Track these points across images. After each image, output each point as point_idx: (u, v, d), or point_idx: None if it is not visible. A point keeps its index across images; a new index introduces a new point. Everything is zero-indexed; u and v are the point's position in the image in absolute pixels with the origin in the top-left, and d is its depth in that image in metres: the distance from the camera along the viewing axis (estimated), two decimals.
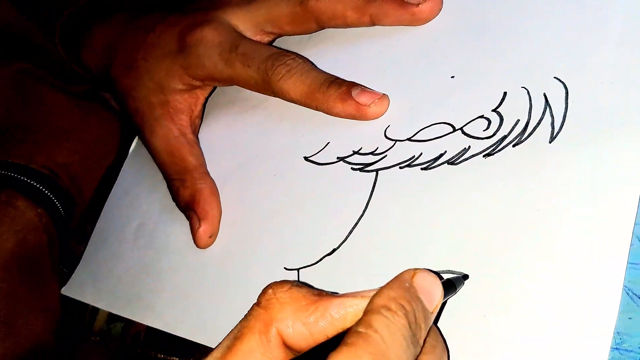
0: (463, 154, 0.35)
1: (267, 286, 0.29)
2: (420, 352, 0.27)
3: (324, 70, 0.43)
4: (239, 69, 0.43)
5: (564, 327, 0.28)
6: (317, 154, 0.42)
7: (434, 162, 0.36)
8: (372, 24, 0.41)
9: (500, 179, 0.33)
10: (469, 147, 0.35)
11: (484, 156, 0.34)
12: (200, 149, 0.47)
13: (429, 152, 0.37)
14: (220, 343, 0.28)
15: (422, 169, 0.36)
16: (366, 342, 0.25)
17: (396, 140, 0.38)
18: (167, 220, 0.48)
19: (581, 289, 0.28)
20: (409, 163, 0.37)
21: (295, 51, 0.44)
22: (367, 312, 0.26)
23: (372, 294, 0.27)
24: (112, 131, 0.55)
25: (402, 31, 0.41)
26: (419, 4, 0.39)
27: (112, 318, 0.49)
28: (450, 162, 0.35)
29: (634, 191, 0.29)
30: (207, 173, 0.46)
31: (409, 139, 0.38)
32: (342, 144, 0.41)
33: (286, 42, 0.47)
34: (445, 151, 0.36)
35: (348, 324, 0.28)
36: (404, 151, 0.38)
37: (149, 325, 0.45)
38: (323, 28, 0.44)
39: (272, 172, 0.43)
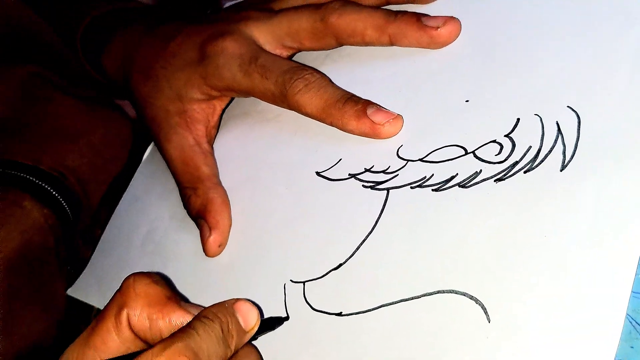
0: (474, 178, 0.36)
1: (129, 275, 0.35)
2: (233, 357, 0.34)
3: (339, 86, 0.43)
4: (257, 80, 0.43)
5: (567, 352, 0.28)
6: (329, 170, 0.42)
7: (445, 184, 0.36)
8: (391, 44, 0.42)
9: (510, 204, 0.34)
10: (481, 170, 0.36)
11: (495, 181, 0.35)
12: (214, 159, 0.48)
13: (440, 173, 0.37)
14: (89, 325, 0.34)
15: (433, 190, 0.37)
16: (184, 334, 0.31)
17: (408, 160, 0.39)
18: (175, 228, 0.48)
19: (585, 315, 0.29)
20: (420, 184, 0.37)
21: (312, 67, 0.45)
22: (191, 320, 0.33)
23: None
24: (122, 136, 0.55)
25: (419, 53, 0.42)
26: (438, 27, 0.40)
27: None
28: (462, 185, 0.36)
29: None
30: (220, 183, 0.46)
31: (421, 160, 0.38)
32: (354, 161, 0.41)
33: (304, 59, 0.47)
34: (457, 174, 0.36)
35: None
36: (416, 171, 0.38)
37: None
38: (342, 45, 0.44)
39: (284, 185, 0.44)
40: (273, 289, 0.40)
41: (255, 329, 0.35)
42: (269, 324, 0.37)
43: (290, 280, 0.40)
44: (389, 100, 0.41)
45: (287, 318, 0.38)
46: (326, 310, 0.37)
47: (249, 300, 0.35)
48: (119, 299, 0.34)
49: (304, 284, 0.39)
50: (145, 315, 0.33)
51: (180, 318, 0.34)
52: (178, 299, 0.35)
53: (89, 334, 0.33)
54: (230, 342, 0.33)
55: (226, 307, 0.34)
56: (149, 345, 0.34)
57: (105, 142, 0.54)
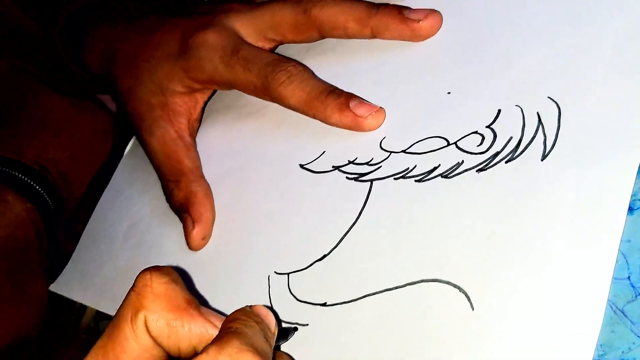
0: (456, 168, 0.36)
1: (145, 270, 0.31)
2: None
3: (322, 79, 0.43)
4: (239, 73, 0.43)
5: (549, 337, 0.29)
6: (313, 162, 0.42)
7: (428, 174, 0.37)
8: (373, 36, 0.42)
9: (492, 194, 0.34)
10: (463, 161, 0.36)
11: (477, 171, 0.35)
12: (197, 152, 0.48)
13: (423, 164, 0.37)
14: (105, 331, 0.31)
15: (415, 180, 0.37)
16: (234, 334, 0.28)
17: (391, 152, 0.39)
18: (158, 222, 0.48)
19: (567, 301, 0.29)
20: (404, 175, 0.38)
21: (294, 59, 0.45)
22: (225, 323, 0.30)
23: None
24: (104, 130, 0.55)
25: (402, 46, 0.42)
26: (419, 21, 0.41)
27: (100, 316, 0.49)
28: (444, 175, 0.36)
29: (621, 210, 0.30)
30: (203, 176, 0.46)
31: (403, 151, 0.39)
32: (338, 153, 0.42)
33: (286, 51, 0.48)
34: (439, 164, 0.37)
35: (198, 344, 0.30)
36: (399, 163, 0.38)
37: None
38: (324, 37, 0.45)
39: (267, 178, 0.44)
40: (257, 281, 0.40)
41: (276, 332, 0.33)
42: (284, 333, 0.35)
43: (275, 272, 0.40)
44: (371, 92, 0.42)
45: (296, 329, 0.37)
46: (311, 301, 0.37)
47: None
48: (135, 300, 0.30)
49: (288, 276, 0.39)
50: (165, 322, 0.30)
51: (201, 327, 0.30)
52: (197, 303, 0.31)
53: (106, 343, 0.30)
54: (271, 341, 0.31)
55: (250, 311, 0.31)
56: (169, 353, 0.31)
57: (87, 135, 0.54)
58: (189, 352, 0.31)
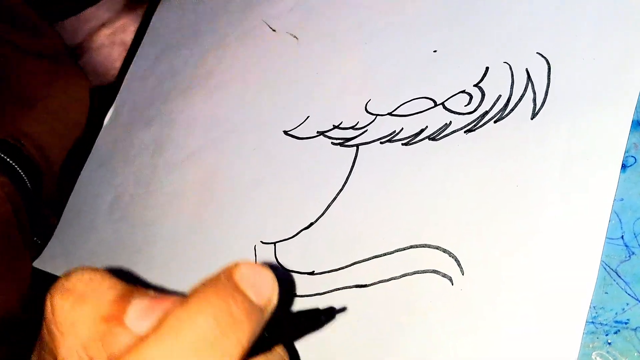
0: (444, 130, 0.35)
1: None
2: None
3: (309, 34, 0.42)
4: None
5: (541, 300, 0.28)
6: (297, 128, 0.41)
7: (415, 137, 0.36)
8: None
9: (481, 155, 0.33)
10: (450, 122, 0.35)
11: (465, 132, 0.34)
12: None
13: (410, 127, 0.36)
14: None
15: (402, 144, 0.36)
16: (136, 348, 0.21)
17: (377, 115, 0.38)
18: (142, 194, 0.47)
19: (559, 263, 0.28)
20: (390, 138, 0.37)
21: (285, 31, 0.43)
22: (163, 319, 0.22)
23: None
24: (82, 100, 0.53)
25: (385, 4, 0.41)
26: None
27: None
28: (432, 137, 0.35)
29: (614, 168, 0.29)
30: None
31: (389, 114, 0.38)
32: (323, 118, 0.40)
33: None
34: (427, 126, 0.36)
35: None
36: (385, 126, 0.37)
37: None
38: None
39: (251, 146, 0.43)
40: (243, 251, 0.39)
41: (275, 299, 0.24)
42: (316, 318, 0.27)
43: (261, 241, 0.39)
44: (354, 53, 0.40)
45: (341, 310, 0.30)
46: (298, 270, 0.37)
47: (250, 263, 0.24)
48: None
49: (275, 245, 0.38)
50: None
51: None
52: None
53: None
54: (240, 336, 0.22)
55: (223, 281, 0.23)
56: None
57: (64, 106, 0.52)
58: None
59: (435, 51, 0.38)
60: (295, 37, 0.45)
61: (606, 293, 0.27)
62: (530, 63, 0.34)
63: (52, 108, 0.51)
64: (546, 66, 0.33)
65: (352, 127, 0.39)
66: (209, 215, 0.42)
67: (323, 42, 0.41)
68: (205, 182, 0.44)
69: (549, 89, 0.32)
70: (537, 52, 0.34)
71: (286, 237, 0.38)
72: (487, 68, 0.35)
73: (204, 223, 0.42)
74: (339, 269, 0.35)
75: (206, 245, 0.41)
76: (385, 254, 0.34)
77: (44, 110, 0.50)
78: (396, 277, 0.33)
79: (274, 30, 0.46)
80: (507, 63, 0.34)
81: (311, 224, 0.37)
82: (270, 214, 0.39)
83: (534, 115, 0.32)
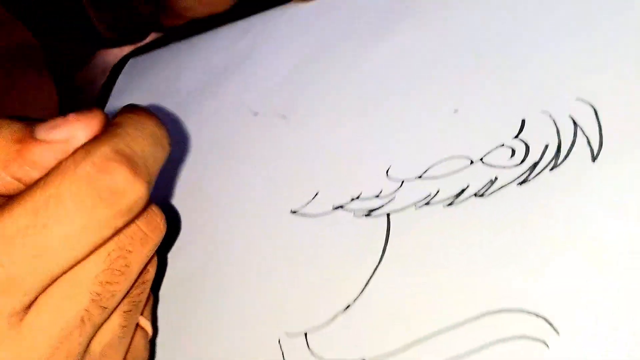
0: (491, 185, 0.32)
1: None
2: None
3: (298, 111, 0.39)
4: None
5: None
6: (307, 206, 0.37)
7: (458, 197, 0.33)
8: None
9: (542, 205, 0.30)
10: (496, 178, 0.32)
11: (518, 184, 0.32)
12: None
13: (447, 187, 0.33)
14: None
15: (446, 205, 0.33)
16: (110, 135, 0.25)
17: (404, 180, 0.35)
18: None
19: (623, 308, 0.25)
20: (428, 201, 0.33)
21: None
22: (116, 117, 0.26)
23: None
24: (49, 108, 0.47)
25: (392, 65, 0.39)
26: None
27: None
28: (478, 194, 0.32)
29: None
30: None
31: (419, 177, 0.35)
32: (336, 192, 0.37)
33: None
34: (468, 185, 0.33)
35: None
36: (416, 191, 0.34)
37: None
38: None
39: (257, 231, 0.38)
40: (265, 348, 0.34)
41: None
42: None
43: (286, 332, 0.34)
44: (362, 116, 0.38)
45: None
46: (345, 358, 0.31)
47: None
48: None
49: (305, 335, 0.33)
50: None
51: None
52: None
53: None
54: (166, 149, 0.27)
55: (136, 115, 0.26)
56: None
57: (30, 114, 0.44)
58: None
59: (456, 111, 0.36)
60: (283, 116, 0.42)
61: None
62: (572, 109, 0.32)
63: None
64: (592, 110, 0.32)
65: (376, 196, 0.35)
66: (220, 312, 0.36)
67: (326, 104, 0.38)
68: (212, 277, 0.39)
69: (602, 131, 0.31)
70: (577, 98, 0.32)
71: (317, 325, 0.33)
72: (523, 120, 0.33)
73: (216, 321, 0.36)
74: (395, 351, 0.30)
75: (222, 344, 0.35)
76: (453, 327, 0.29)
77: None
78: (474, 349, 0.28)
79: (256, 114, 0.43)
80: (547, 112, 0.33)
81: (348, 306, 0.33)
82: (292, 301, 0.34)
83: (594, 159, 0.30)
